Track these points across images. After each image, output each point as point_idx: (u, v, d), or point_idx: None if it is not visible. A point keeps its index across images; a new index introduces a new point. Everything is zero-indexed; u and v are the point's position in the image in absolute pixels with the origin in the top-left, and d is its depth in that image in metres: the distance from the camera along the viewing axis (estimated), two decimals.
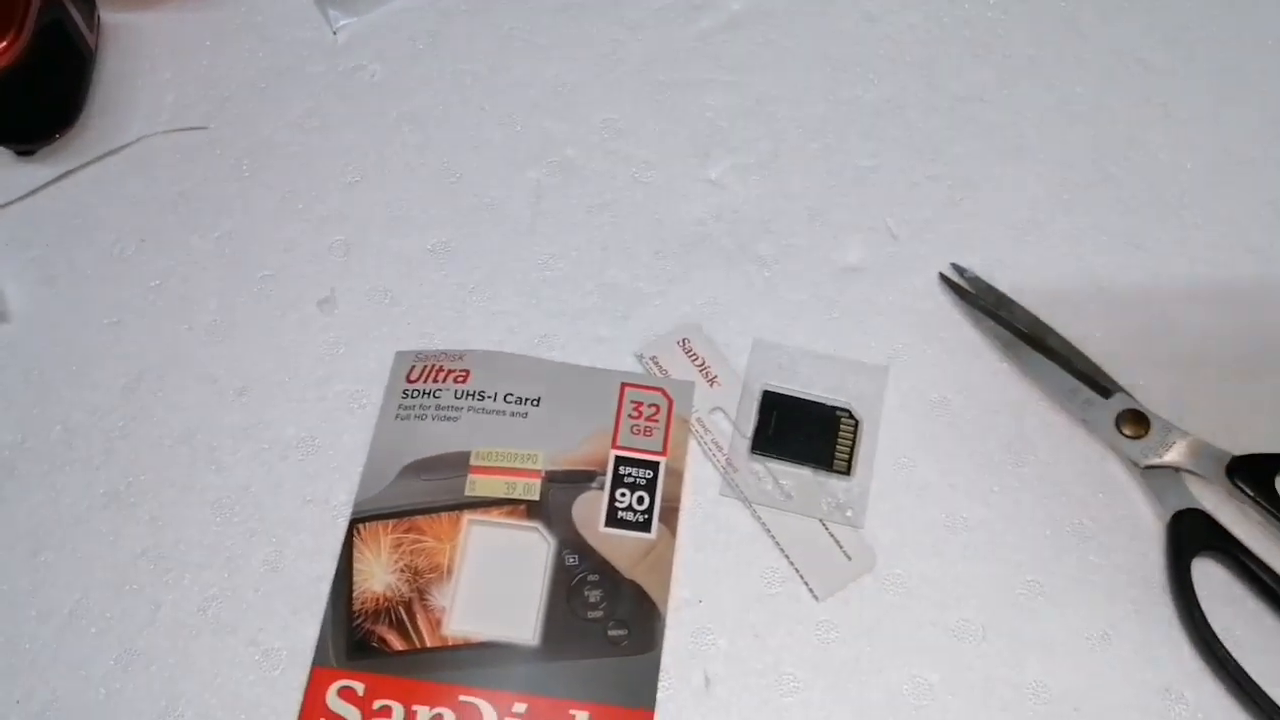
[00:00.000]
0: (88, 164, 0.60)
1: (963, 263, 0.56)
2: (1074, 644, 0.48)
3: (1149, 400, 0.52)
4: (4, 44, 0.54)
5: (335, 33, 0.63)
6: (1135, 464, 0.51)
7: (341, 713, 0.46)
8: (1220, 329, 0.54)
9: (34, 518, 0.51)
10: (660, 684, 0.47)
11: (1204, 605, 0.47)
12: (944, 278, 0.55)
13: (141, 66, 0.62)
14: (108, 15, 0.63)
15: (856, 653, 0.48)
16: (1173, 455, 0.50)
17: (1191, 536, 0.49)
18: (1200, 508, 0.49)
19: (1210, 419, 0.52)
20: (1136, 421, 0.51)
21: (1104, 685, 0.47)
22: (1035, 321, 0.54)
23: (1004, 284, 0.55)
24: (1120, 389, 0.52)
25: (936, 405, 0.53)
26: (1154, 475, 0.50)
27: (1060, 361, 0.53)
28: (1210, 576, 0.49)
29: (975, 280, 0.55)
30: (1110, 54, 0.61)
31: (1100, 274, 0.55)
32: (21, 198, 0.59)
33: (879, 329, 0.54)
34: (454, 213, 0.58)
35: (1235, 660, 0.46)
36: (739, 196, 0.58)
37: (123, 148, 0.60)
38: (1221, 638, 0.47)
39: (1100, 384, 0.52)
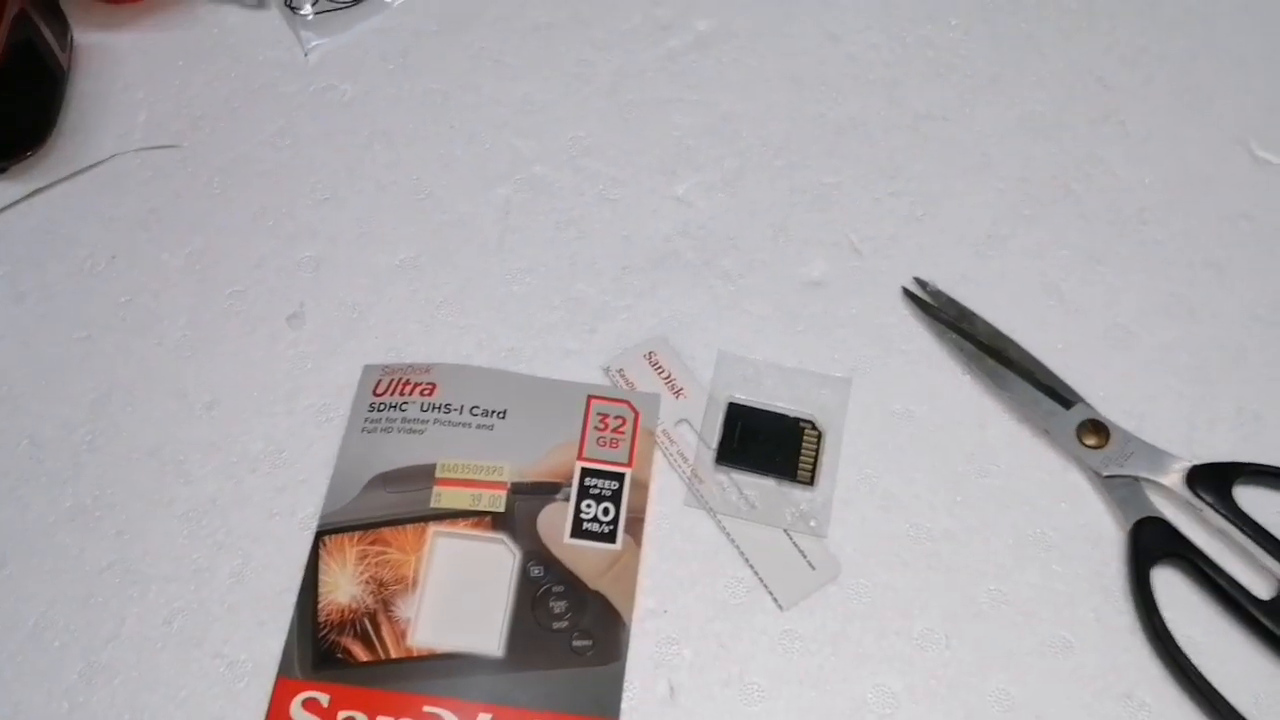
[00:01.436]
0: (59, 181, 0.60)
1: (925, 277, 0.56)
2: (1036, 652, 0.48)
3: (1109, 411, 0.52)
4: None
5: (307, 54, 0.64)
6: (1096, 473, 0.51)
7: None
8: (1179, 340, 0.55)
9: (0, 530, 0.51)
10: (625, 694, 0.47)
11: (1165, 612, 0.48)
12: (906, 292, 0.56)
13: (114, 85, 0.63)
14: (81, 35, 0.64)
15: (821, 662, 0.48)
16: (1133, 465, 0.51)
17: (1152, 545, 0.49)
18: (1161, 516, 0.50)
19: (1170, 429, 0.52)
20: (1097, 432, 0.52)
21: (1066, 692, 0.47)
22: (996, 334, 0.54)
23: (965, 297, 0.55)
24: (1080, 400, 0.53)
25: (899, 417, 0.53)
26: (1115, 485, 0.51)
27: (1021, 373, 0.53)
28: (1171, 584, 0.49)
29: (937, 294, 0.56)
30: (1070, 72, 0.62)
31: (1060, 287, 0.56)
32: None
33: (842, 342, 0.55)
34: (423, 229, 0.58)
35: (1196, 667, 0.47)
36: (705, 213, 0.59)
37: (94, 165, 0.60)
38: (1182, 644, 0.47)
39: (1061, 395, 0.53)
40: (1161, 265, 0.57)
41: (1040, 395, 0.53)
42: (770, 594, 0.49)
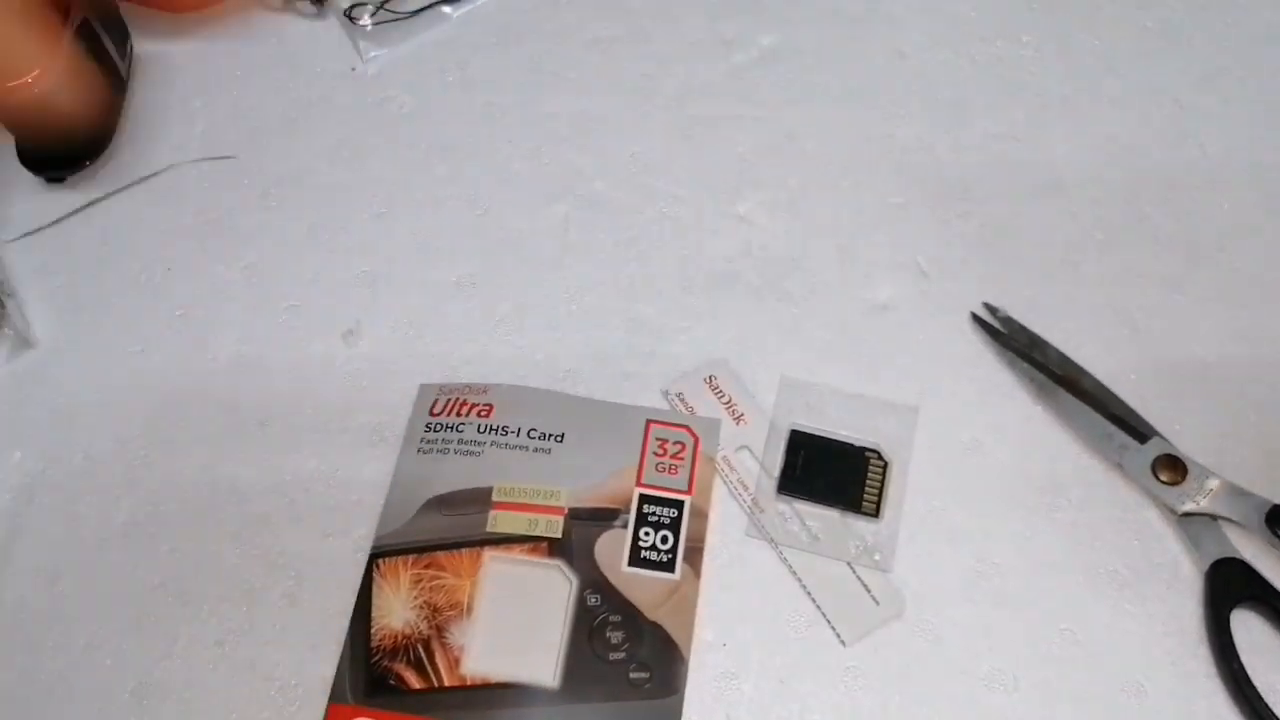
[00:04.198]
0: (116, 192, 0.60)
1: (994, 302, 0.55)
2: (1108, 696, 0.47)
3: (1186, 445, 0.51)
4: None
5: (365, 64, 0.63)
6: (1172, 510, 0.49)
7: None
8: (1259, 373, 0.53)
9: (53, 546, 0.51)
10: None
11: (1243, 657, 0.46)
12: (976, 317, 0.54)
13: (172, 96, 0.63)
14: (140, 45, 0.64)
15: (884, 700, 0.47)
16: (1210, 502, 0.49)
17: (1230, 586, 0.48)
18: (1239, 556, 0.48)
19: (1249, 465, 0.50)
20: (1173, 467, 0.50)
21: None
22: (1068, 363, 0.53)
23: (1036, 325, 0.54)
24: (1156, 433, 0.51)
25: (968, 447, 0.52)
26: (1191, 523, 0.49)
27: (1094, 405, 0.52)
28: (1250, 628, 0.47)
29: (1007, 320, 0.54)
30: (1146, 93, 0.60)
31: (1135, 316, 0.54)
32: (50, 225, 0.59)
33: (909, 369, 0.53)
34: (481, 245, 0.58)
35: (1276, 716, 0.45)
36: (767, 232, 0.57)
37: (152, 176, 0.60)
38: (1262, 692, 0.45)
39: (1135, 428, 0.51)
40: (1240, 294, 0.55)
41: (1113, 428, 0.51)
42: (832, 629, 0.48)
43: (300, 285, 0.57)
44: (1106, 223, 0.57)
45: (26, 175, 0.59)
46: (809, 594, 0.49)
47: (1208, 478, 0.50)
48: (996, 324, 0.54)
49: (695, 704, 0.47)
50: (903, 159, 0.59)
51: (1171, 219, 0.57)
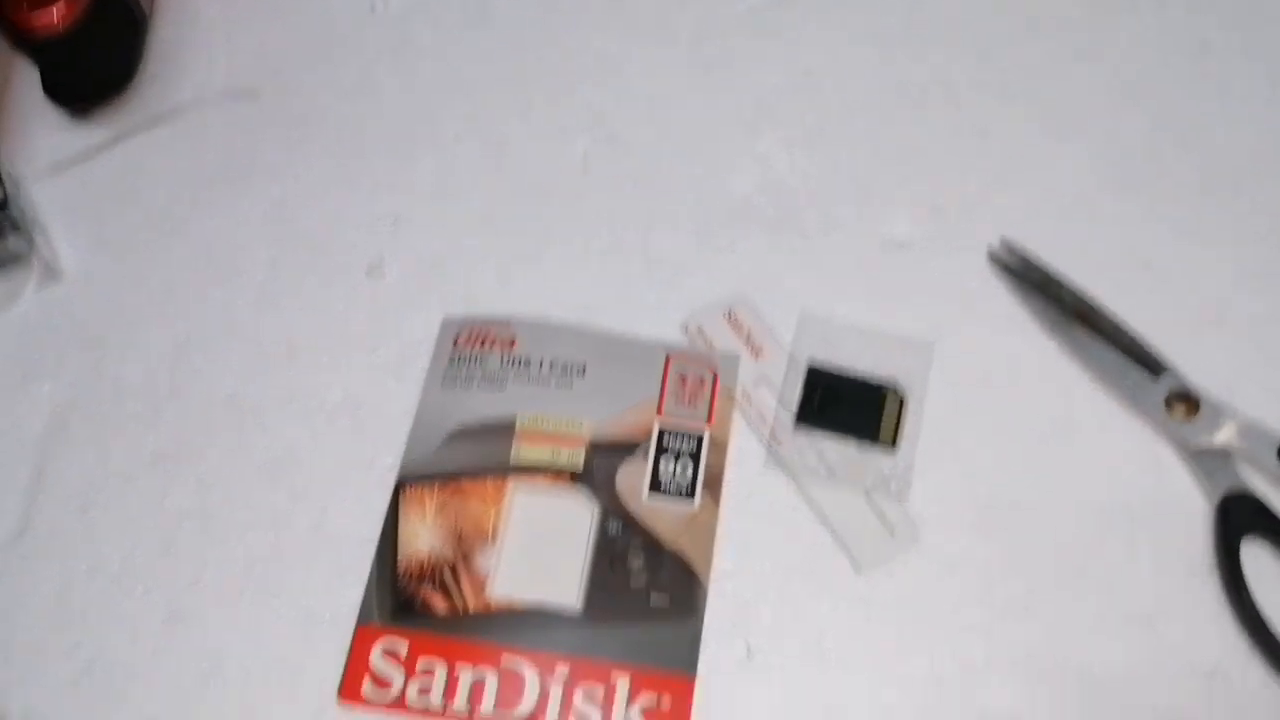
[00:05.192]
0: (140, 129, 0.60)
1: (1012, 240, 0.55)
2: (1119, 625, 0.47)
3: (1199, 381, 0.51)
4: (62, 7, 0.54)
5: (386, 3, 0.63)
6: (1184, 445, 0.50)
7: (385, 673, 0.46)
8: (1273, 311, 0.53)
9: (84, 475, 0.52)
10: (702, 653, 0.47)
11: (1253, 589, 0.47)
12: (992, 255, 0.55)
13: (195, 33, 0.63)
14: None
15: (899, 628, 0.48)
16: (1223, 437, 0.50)
17: (1241, 519, 0.48)
18: (1250, 491, 0.49)
19: (1262, 401, 0.51)
20: (1186, 402, 0.50)
21: (1148, 668, 0.47)
22: (1084, 300, 0.53)
23: (1053, 262, 0.54)
24: (1170, 369, 0.51)
25: (983, 382, 0.52)
26: (1203, 457, 0.50)
27: (1109, 341, 0.52)
28: (1259, 561, 0.48)
29: (1024, 258, 0.55)
30: (1168, 33, 0.60)
31: (1151, 253, 0.55)
32: (76, 160, 0.59)
33: (925, 305, 0.54)
34: (502, 182, 0.58)
35: None
36: (786, 170, 0.58)
37: (176, 113, 0.61)
38: (1269, 621, 0.46)
39: (1150, 364, 0.51)
40: (1257, 234, 0.55)
41: (1128, 364, 0.52)
42: (849, 558, 0.49)
43: (324, 221, 0.57)
44: (1125, 162, 0.57)
45: (52, 112, 0.59)
46: (826, 524, 0.49)
47: (1220, 413, 0.50)
48: (1013, 261, 0.55)
49: (713, 629, 0.48)
50: (922, 97, 0.59)
51: (1190, 160, 0.57)
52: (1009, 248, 0.55)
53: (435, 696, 0.46)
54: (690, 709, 0.46)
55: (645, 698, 0.46)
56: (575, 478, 0.50)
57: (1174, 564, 0.48)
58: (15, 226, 0.55)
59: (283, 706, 0.47)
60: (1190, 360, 0.52)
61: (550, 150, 0.59)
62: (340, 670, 0.47)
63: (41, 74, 0.59)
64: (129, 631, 0.49)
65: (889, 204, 0.56)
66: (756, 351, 0.53)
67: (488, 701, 0.46)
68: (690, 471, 0.50)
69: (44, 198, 0.58)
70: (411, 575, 0.48)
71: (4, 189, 0.55)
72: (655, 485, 0.50)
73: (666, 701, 0.46)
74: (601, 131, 0.59)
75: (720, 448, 0.51)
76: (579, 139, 0.59)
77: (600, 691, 0.46)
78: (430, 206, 0.57)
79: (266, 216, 0.58)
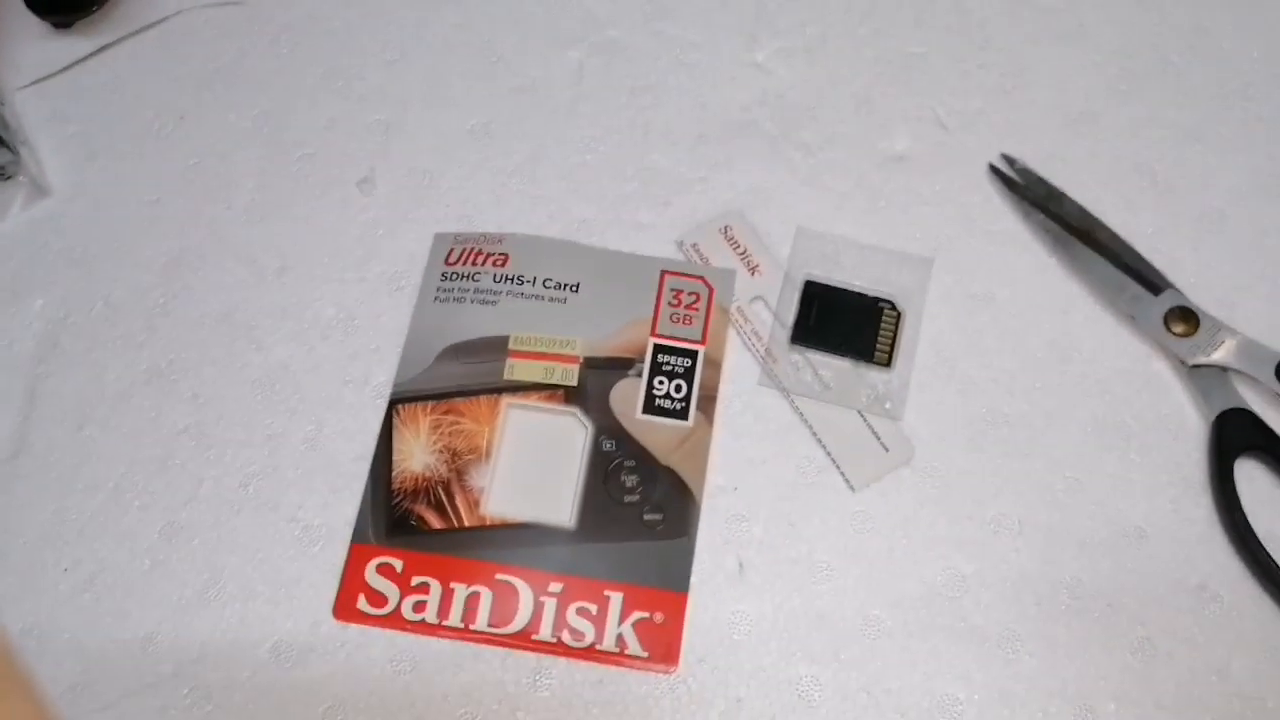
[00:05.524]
0: (125, 38, 0.59)
1: (1013, 153, 0.54)
2: (1110, 541, 0.48)
3: (1200, 298, 0.51)
4: None
5: None
6: (1182, 362, 0.50)
7: (380, 588, 0.47)
8: (1277, 225, 0.52)
9: (78, 392, 0.52)
10: (694, 568, 0.47)
11: (1245, 506, 0.47)
12: (993, 169, 0.54)
13: None
14: None
15: (891, 544, 0.48)
16: (1221, 354, 0.49)
17: (1236, 437, 0.48)
18: (1247, 408, 0.49)
19: (1263, 318, 0.51)
20: (1185, 319, 0.50)
21: (1138, 582, 0.47)
22: (1085, 215, 0.53)
23: (1054, 176, 0.53)
24: (1170, 286, 0.51)
25: (981, 299, 0.52)
26: (1201, 374, 0.50)
27: (1110, 257, 0.51)
28: (1253, 478, 0.48)
29: (1025, 172, 0.54)
30: None
31: (1155, 167, 0.54)
32: (59, 72, 0.58)
33: (925, 220, 0.53)
34: (494, 93, 0.57)
35: (1274, 561, 0.46)
36: (785, 81, 0.56)
37: (160, 22, 0.59)
38: (1262, 538, 0.46)
39: (1150, 280, 0.51)
40: (1264, 145, 0.54)
41: (1128, 280, 0.51)
42: (842, 475, 0.49)
43: (314, 133, 0.56)
44: (1129, 71, 0.56)
45: (34, 22, 0.58)
46: (820, 441, 0.49)
47: (1220, 330, 0.50)
48: (1014, 175, 0.54)
49: (706, 545, 0.48)
50: (924, 6, 0.58)
51: (1197, 67, 0.56)
52: (1010, 162, 0.54)
53: (430, 612, 0.46)
54: (683, 623, 0.47)
55: (638, 613, 0.46)
56: (569, 395, 0.50)
57: (1168, 481, 0.49)
58: (0, 141, 0.54)
59: (280, 621, 0.47)
60: (1192, 275, 0.51)
61: (544, 59, 0.57)
62: (336, 586, 0.47)
63: None
64: (127, 547, 0.49)
65: (889, 117, 0.55)
66: (753, 268, 0.52)
67: (482, 617, 0.46)
68: (684, 389, 0.50)
69: (28, 112, 0.57)
70: (405, 493, 0.48)
71: None
72: (649, 403, 0.50)
73: (659, 616, 0.46)
74: (596, 40, 0.58)
75: (715, 365, 0.50)
76: (573, 48, 0.58)
77: (594, 607, 0.46)
78: (421, 117, 0.56)
79: (255, 128, 0.57)
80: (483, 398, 0.50)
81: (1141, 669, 0.46)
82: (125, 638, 0.47)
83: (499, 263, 0.52)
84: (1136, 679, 0.46)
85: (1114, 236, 0.52)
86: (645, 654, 0.46)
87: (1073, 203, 0.53)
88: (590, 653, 0.46)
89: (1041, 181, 0.53)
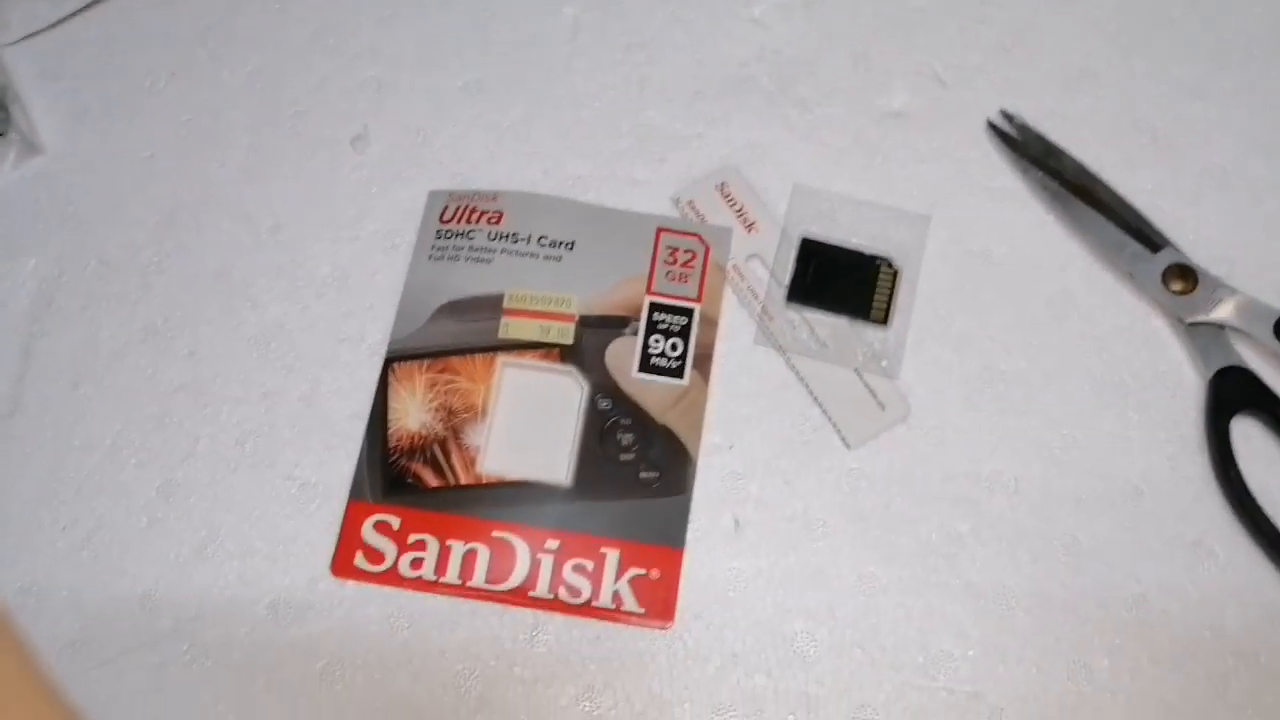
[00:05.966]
0: None
1: (1012, 110, 0.54)
2: (1106, 498, 0.48)
3: (1199, 256, 0.50)
4: None
5: None
6: (1180, 320, 0.50)
7: (378, 545, 0.47)
8: (1277, 183, 0.52)
9: (73, 351, 0.52)
10: (690, 525, 0.47)
11: (1241, 464, 0.47)
12: (992, 125, 0.54)
13: None
14: None
15: (887, 501, 0.48)
16: (1219, 312, 0.49)
17: (1233, 394, 0.48)
18: (1245, 366, 0.49)
19: (1262, 276, 0.50)
20: (1184, 277, 0.50)
21: (1134, 539, 0.47)
22: (1084, 172, 0.52)
23: (1054, 133, 0.53)
24: (1169, 243, 0.51)
25: (978, 257, 0.52)
26: (1199, 332, 0.49)
27: (1108, 214, 0.51)
28: (1250, 436, 0.48)
29: (1024, 129, 0.53)
30: None
31: (1155, 124, 0.53)
32: (49, 27, 0.57)
33: (922, 177, 0.53)
34: (488, 50, 0.56)
35: (1269, 518, 0.46)
36: (782, 37, 0.56)
37: None
38: (1257, 496, 0.47)
39: (1149, 238, 0.51)
40: (1265, 102, 0.54)
41: (1126, 238, 0.51)
42: (838, 433, 0.49)
43: (306, 90, 0.56)
44: (1130, 27, 0.55)
45: None
46: (815, 399, 0.49)
47: (1218, 287, 0.50)
48: (1013, 132, 0.53)
49: (702, 502, 0.48)
50: None
51: (1199, 22, 0.55)
52: (1009, 118, 0.54)
53: (428, 569, 0.47)
54: (679, 580, 0.47)
55: (635, 569, 0.46)
56: (564, 354, 0.50)
57: (1164, 439, 0.49)
58: None
59: (278, 578, 0.48)
60: (1191, 233, 0.51)
61: (538, 15, 0.57)
62: (333, 543, 0.48)
63: None
64: (124, 505, 0.49)
65: (887, 73, 0.55)
66: (749, 225, 0.52)
67: (479, 574, 0.46)
68: (680, 348, 0.50)
69: (18, 69, 0.57)
70: (402, 450, 0.48)
71: None
72: (645, 361, 0.50)
73: (655, 573, 0.46)
74: None
75: (711, 324, 0.50)
76: (568, 4, 0.57)
77: (590, 564, 0.46)
78: (414, 75, 0.56)
79: (248, 85, 0.56)
80: (478, 356, 0.50)
81: (1136, 625, 0.46)
82: (123, 595, 0.48)
83: (494, 220, 0.52)
84: (1131, 635, 0.46)
85: (1113, 194, 0.52)
86: (641, 610, 0.46)
87: (1072, 160, 0.52)
88: (587, 609, 0.46)
89: (1040, 138, 0.53)
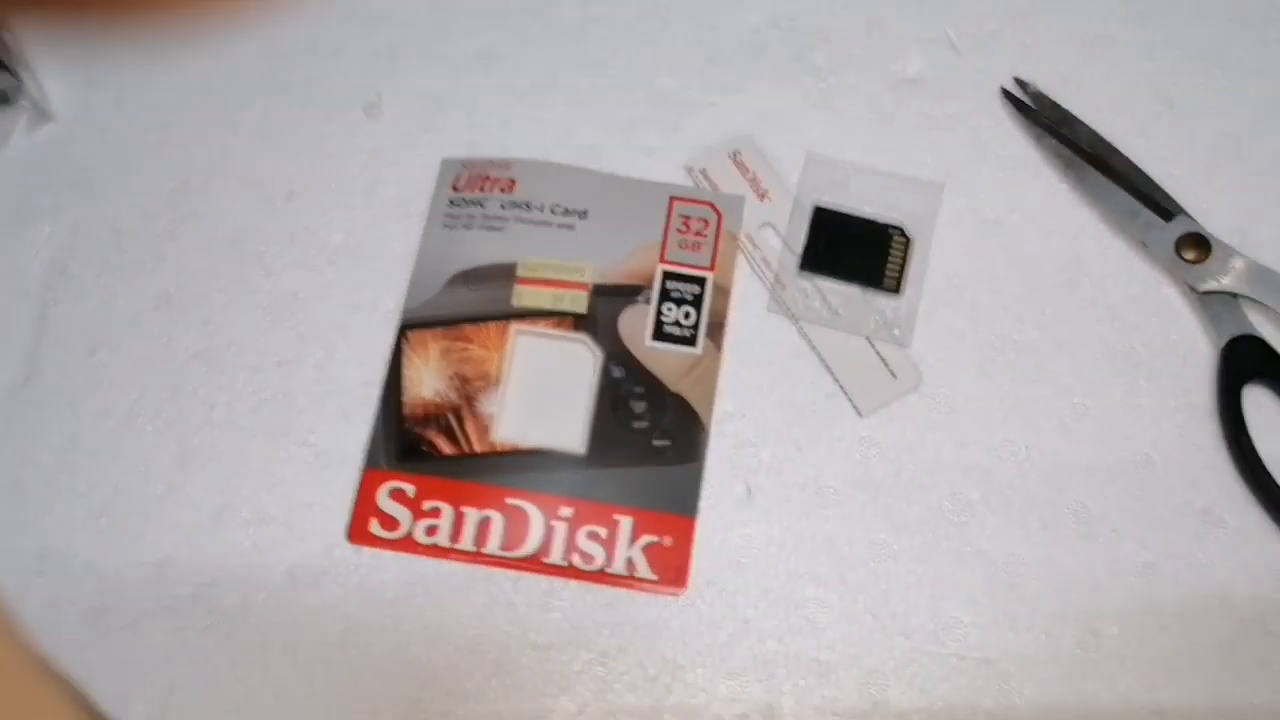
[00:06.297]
0: None
1: (1026, 77, 0.53)
2: (1117, 467, 0.48)
3: (1212, 224, 0.50)
4: None
5: None
6: (1193, 289, 0.50)
7: (393, 513, 0.47)
8: None
9: (88, 318, 0.52)
10: (703, 493, 0.48)
11: (1252, 432, 0.47)
12: (1006, 93, 0.53)
13: None
14: None
15: (898, 469, 0.48)
16: (1232, 280, 0.49)
17: (1245, 363, 0.48)
18: (1257, 335, 0.49)
19: (1275, 244, 0.50)
20: (1197, 245, 0.50)
21: (1144, 507, 0.47)
22: (1098, 140, 0.52)
23: (1068, 100, 0.53)
24: (1183, 211, 0.50)
25: (991, 225, 0.52)
26: (1211, 301, 0.49)
27: (1122, 182, 0.51)
28: (1261, 405, 0.48)
29: (1038, 96, 0.53)
30: None
31: (1171, 91, 0.53)
32: None
33: (936, 145, 0.53)
34: (501, 16, 0.56)
35: (1279, 487, 0.46)
36: (795, 3, 0.55)
37: None
38: (1268, 464, 0.47)
39: (1162, 206, 0.51)
40: None
41: (1140, 206, 0.51)
42: (850, 401, 0.49)
43: (319, 57, 0.56)
44: None
45: None
46: (828, 367, 0.49)
47: (1232, 256, 0.50)
48: (1027, 99, 0.53)
49: (715, 470, 0.48)
50: None
51: None
52: (1023, 85, 0.53)
53: (443, 536, 0.47)
54: (691, 547, 0.47)
55: (648, 536, 0.47)
56: (578, 322, 0.50)
57: (1175, 407, 0.49)
58: (1, 65, 0.53)
59: (295, 544, 0.48)
60: (1205, 201, 0.51)
61: None
62: (349, 510, 0.48)
63: None
64: (141, 472, 0.49)
65: (901, 40, 0.55)
66: (762, 194, 0.52)
67: (494, 541, 0.47)
68: (693, 316, 0.50)
69: (29, 35, 0.56)
70: (416, 418, 0.49)
71: None
72: (658, 329, 0.50)
73: (668, 540, 0.47)
74: None
75: (723, 292, 0.50)
76: None
77: (604, 531, 0.47)
78: (427, 41, 0.56)
79: (260, 51, 0.56)
80: (492, 325, 0.50)
81: (1145, 593, 0.46)
82: (141, 561, 0.48)
83: (506, 189, 0.52)
84: (1140, 602, 0.46)
85: (1127, 161, 0.52)
86: (654, 577, 0.46)
87: (1086, 127, 0.52)
88: (600, 575, 0.47)
89: (1054, 105, 0.53)
